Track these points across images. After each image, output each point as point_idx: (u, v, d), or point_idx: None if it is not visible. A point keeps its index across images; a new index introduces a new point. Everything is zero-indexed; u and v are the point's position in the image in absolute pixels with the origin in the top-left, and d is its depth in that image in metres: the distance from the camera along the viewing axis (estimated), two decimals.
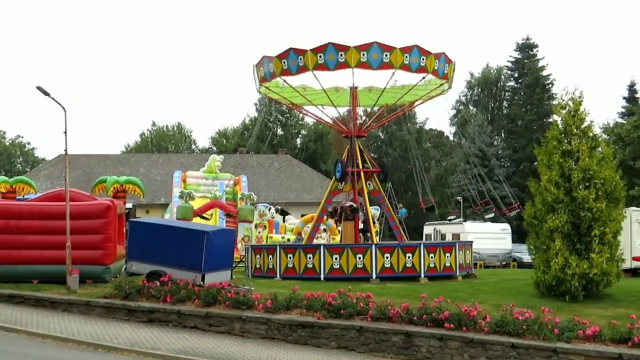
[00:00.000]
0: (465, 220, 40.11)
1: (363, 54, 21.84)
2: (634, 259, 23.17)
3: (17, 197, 26.96)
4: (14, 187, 29.59)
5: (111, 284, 19.28)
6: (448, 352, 14.00)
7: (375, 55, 21.92)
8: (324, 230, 32.19)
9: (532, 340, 13.51)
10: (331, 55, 21.93)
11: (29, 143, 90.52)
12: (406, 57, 22.22)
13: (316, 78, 23.09)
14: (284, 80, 23.82)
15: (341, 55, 21.90)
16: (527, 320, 13.89)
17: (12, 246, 20.86)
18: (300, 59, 22.30)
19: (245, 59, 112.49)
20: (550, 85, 63.66)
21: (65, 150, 20.93)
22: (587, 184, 17.22)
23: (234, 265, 21.80)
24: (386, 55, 22.02)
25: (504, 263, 35.79)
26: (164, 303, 17.13)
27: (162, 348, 14.30)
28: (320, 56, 22.01)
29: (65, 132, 20.55)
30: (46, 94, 20.28)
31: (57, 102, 20.36)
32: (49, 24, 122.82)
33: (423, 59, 22.66)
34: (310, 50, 22.09)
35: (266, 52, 23.78)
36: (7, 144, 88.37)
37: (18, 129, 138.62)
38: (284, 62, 22.78)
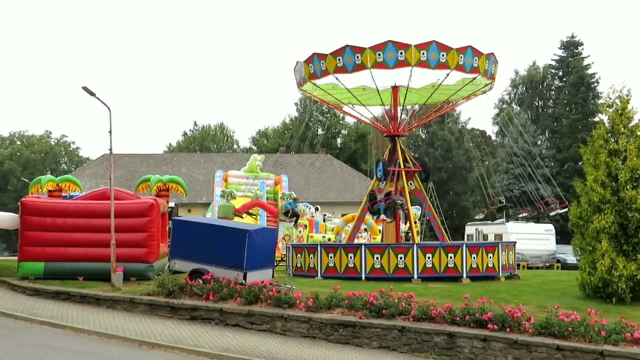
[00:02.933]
0: (507, 221, 39.67)
1: (423, 53, 21.83)
2: None
3: (63, 196, 27.41)
4: (60, 185, 30.11)
5: (154, 282, 19.47)
6: (491, 353, 13.88)
7: (433, 55, 21.90)
8: (365, 229, 32.10)
9: (578, 342, 13.35)
10: (391, 54, 21.94)
11: (73, 142, 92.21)
12: (461, 57, 22.20)
13: (372, 78, 23.12)
14: (337, 78, 23.81)
15: (401, 53, 21.90)
16: (573, 322, 13.70)
17: (59, 244, 21.24)
18: (358, 57, 22.31)
19: (285, 60, 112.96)
20: (595, 84, 62.68)
21: (110, 149, 21.26)
22: (635, 183, 16.94)
23: (275, 264, 21.87)
24: (443, 55, 22.03)
25: (547, 264, 35.33)
26: (206, 301, 17.27)
27: (205, 345, 14.42)
28: (379, 54, 22.02)
29: (110, 132, 20.87)
30: (92, 94, 20.59)
31: (102, 102, 20.67)
32: (95, 25, 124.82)
33: (476, 60, 22.63)
34: (369, 48, 22.08)
35: (300, 53, 23.86)
36: (53, 143, 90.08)
37: (63, 129, 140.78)
38: (310, 67, 22.90)
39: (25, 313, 17.31)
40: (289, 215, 30.69)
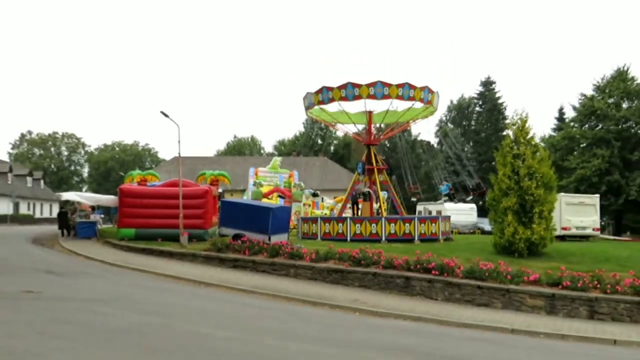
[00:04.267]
0: (445, 202, 39.60)
1: (371, 89, 21.72)
2: (563, 228, 22.87)
3: (148, 184, 27.44)
4: (145, 177, 30.09)
5: (209, 242, 19.45)
6: (434, 290, 13.91)
7: (379, 89, 21.81)
8: (349, 207, 32.13)
9: (492, 283, 13.40)
10: (350, 91, 21.93)
11: (153, 148, 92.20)
12: (400, 90, 22.03)
13: (340, 105, 23.00)
14: (321, 108, 23.72)
15: (356, 90, 21.77)
16: (489, 269, 13.74)
17: (145, 216, 21.24)
18: (330, 93, 22.39)
19: (295, 89, 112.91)
20: (504, 109, 63.49)
21: (179, 153, 21.22)
22: (530, 177, 16.95)
23: (289, 230, 21.89)
24: (386, 89, 21.86)
25: (471, 231, 35.29)
26: (243, 255, 17.25)
27: (243, 284, 14.43)
28: (342, 91, 22.04)
29: (179, 141, 20.82)
30: (166, 115, 20.50)
31: (173, 121, 20.59)
32: (163, 56, 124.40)
33: (412, 91, 22.42)
34: (336, 87, 22.09)
35: (307, 82, 23.70)
36: (140, 149, 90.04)
37: (146, 138, 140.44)
38: (319, 96, 22.80)
39: (122, 262, 17.32)
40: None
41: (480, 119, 65.59)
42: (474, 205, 38.08)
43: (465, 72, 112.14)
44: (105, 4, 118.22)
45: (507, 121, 29.48)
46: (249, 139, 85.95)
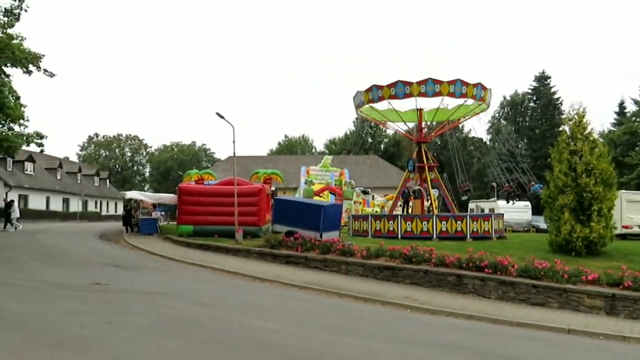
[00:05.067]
0: (498, 199, 38.45)
1: (422, 87, 21.33)
2: (623, 227, 21.73)
3: (204, 183, 28.16)
4: (202, 176, 30.91)
5: (262, 239, 19.71)
6: (487, 288, 13.57)
7: (430, 87, 21.38)
8: (400, 205, 31.81)
9: (548, 282, 12.90)
10: (400, 89, 21.62)
11: (209, 148, 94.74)
12: (451, 87, 21.53)
13: (390, 104, 22.75)
14: (371, 107, 23.53)
15: (407, 88, 21.42)
16: (544, 268, 13.25)
17: (202, 214, 21.80)
18: (380, 91, 22.12)
19: (346, 89, 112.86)
20: (559, 105, 60.77)
21: (234, 152, 21.69)
22: (589, 173, 16.17)
23: (340, 228, 21.91)
24: (437, 86, 21.42)
25: (526, 229, 34.11)
26: (296, 251, 17.41)
27: (296, 280, 14.57)
28: (392, 89, 21.74)
29: (234, 141, 21.33)
30: (221, 117, 20.92)
31: (228, 122, 21.01)
32: (220, 60, 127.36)
33: (464, 88, 21.88)
34: (386, 85, 21.83)
35: (365, 81, 23.56)
36: (197, 149, 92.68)
37: (203, 139, 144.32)
38: (369, 94, 22.60)
39: (181, 257, 17.81)
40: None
41: (535, 115, 63.16)
42: (528, 203, 36.78)
43: (518, 68, 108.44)
44: (165, 11, 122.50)
45: (563, 116, 28.32)
46: (301, 138, 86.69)
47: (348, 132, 77.46)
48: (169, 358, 5.88)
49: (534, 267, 13.35)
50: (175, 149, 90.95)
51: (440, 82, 21.34)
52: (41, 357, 5.58)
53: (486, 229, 20.83)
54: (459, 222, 20.49)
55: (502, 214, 24.02)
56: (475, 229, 20.54)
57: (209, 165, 75.44)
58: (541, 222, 30.13)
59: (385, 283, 14.79)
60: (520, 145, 61.36)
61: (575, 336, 10.50)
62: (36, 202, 45.52)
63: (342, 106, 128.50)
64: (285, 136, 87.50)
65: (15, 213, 27.11)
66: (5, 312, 7.95)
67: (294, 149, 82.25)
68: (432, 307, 12.06)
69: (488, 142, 67.73)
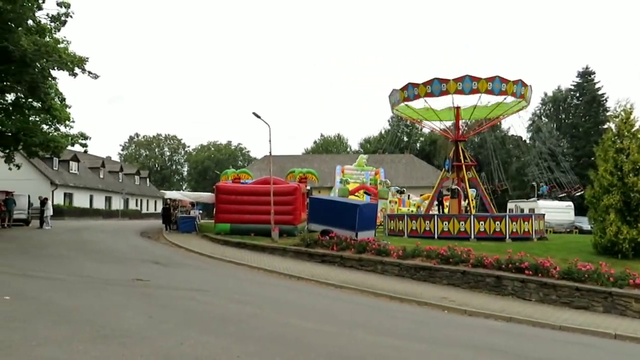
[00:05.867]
0: (538, 199, 37.46)
1: (459, 84, 20.95)
2: None
3: (241, 182, 28.58)
4: (239, 175, 31.42)
5: (298, 237, 19.90)
6: (527, 290, 13.24)
7: (467, 84, 20.99)
8: (436, 205, 31.44)
9: (592, 285, 12.48)
10: (437, 86, 21.29)
11: (246, 147, 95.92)
12: (490, 84, 21.08)
13: (426, 102, 22.45)
14: (407, 105, 23.31)
15: (443, 85, 21.07)
16: (589, 271, 12.82)
17: (239, 212, 22.17)
18: (416, 89, 21.85)
19: (380, 88, 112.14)
20: (604, 101, 58.47)
21: (270, 152, 21.88)
22: (636, 172, 15.55)
23: (376, 227, 21.84)
24: (474, 83, 21.00)
25: (568, 230, 33.10)
26: (331, 250, 17.47)
27: (331, 279, 14.62)
28: (428, 87, 21.43)
29: (270, 141, 21.47)
30: (258, 116, 21.17)
31: (264, 121, 21.25)
32: (257, 60, 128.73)
33: (503, 85, 21.40)
34: (422, 83, 21.53)
35: (401, 80, 23.37)
36: (233, 148, 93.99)
37: (239, 138, 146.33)
38: (405, 92, 22.44)
39: (219, 255, 18.14)
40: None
41: (578, 112, 61.08)
42: (570, 203, 35.72)
43: (560, 63, 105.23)
44: (205, 13, 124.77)
45: (609, 113, 27.34)
46: (336, 137, 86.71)
47: (383, 131, 77.11)
48: (207, 353, 6.01)
49: (578, 270, 12.94)
50: (213, 149, 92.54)
51: (478, 79, 20.97)
52: (88, 349, 5.80)
53: (526, 230, 20.35)
54: (497, 223, 20.09)
55: (543, 215, 23.41)
56: (514, 230, 20.10)
57: (245, 165, 76.38)
58: (584, 223, 29.21)
59: (422, 283, 14.65)
60: (562, 144, 59.56)
61: (622, 342, 10.12)
62: (80, 200, 47.22)
63: (378, 105, 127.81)
64: (321, 135, 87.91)
65: (49, 211, 27.81)
66: (55, 305, 8.30)
67: (330, 148, 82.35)
68: (470, 309, 11.87)
69: (528, 141, 66.02)
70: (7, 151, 27.38)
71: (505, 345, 8.66)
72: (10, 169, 28.47)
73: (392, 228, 22.67)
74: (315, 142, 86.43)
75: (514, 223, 20.33)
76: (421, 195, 37.41)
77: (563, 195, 35.99)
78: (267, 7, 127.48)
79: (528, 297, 13.15)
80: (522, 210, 34.77)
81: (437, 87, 21.30)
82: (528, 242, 19.44)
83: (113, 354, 5.67)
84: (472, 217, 20.54)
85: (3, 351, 5.52)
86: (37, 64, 21.94)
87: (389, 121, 75.66)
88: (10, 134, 25.56)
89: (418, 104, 23.43)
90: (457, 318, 11.25)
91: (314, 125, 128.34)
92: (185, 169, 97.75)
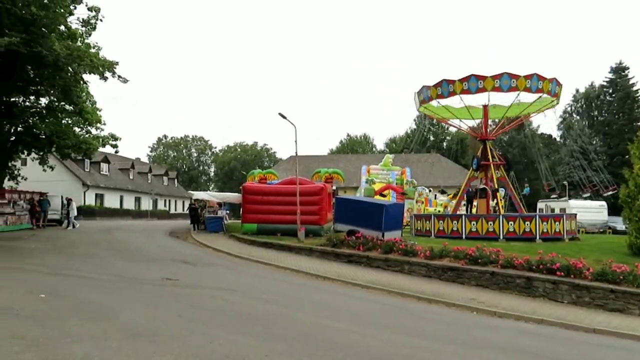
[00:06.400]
0: (570, 199, 36.66)
1: (496, 81, 20.60)
2: None
3: (267, 182, 28.76)
4: (265, 176, 31.61)
5: (324, 237, 19.90)
6: (559, 292, 12.93)
7: (505, 82, 20.63)
8: (464, 205, 31.00)
9: (628, 287, 12.11)
10: (473, 83, 20.96)
11: (271, 148, 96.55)
12: (528, 82, 20.70)
13: (461, 100, 22.17)
14: (438, 102, 23.05)
15: (513, 81, 20.59)
16: (624, 272, 12.44)
17: (265, 212, 22.31)
18: (451, 86, 21.54)
19: (403, 88, 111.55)
20: (639, 97, 56.66)
21: (296, 152, 21.97)
22: None
23: (402, 227, 21.69)
24: (513, 81, 20.64)
25: (601, 230, 32.25)
26: (357, 250, 17.42)
27: (358, 279, 14.60)
28: (465, 84, 21.11)
29: (296, 141, 21.54)
30: (284, 117, 21.28)
31: (290, 122, 21.34)
32: (281, 63, 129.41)
33: (540, 83, 20.99)
34: (458, 80, 21.26)
35: (423, 81, 23.15)
36: (259, 149, 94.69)
37: (265, 139, 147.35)
38: (438, 89, 22.18)
39: (246, 255, 18.29)
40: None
41: (611, 109, 59.39)
42: (604, 203, 34.81)
43: (591, 59, 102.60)
44: (230, 16, 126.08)
45: None
46: (361, 137, 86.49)
47: (409, 131, 76.51)
48: (236, 352, 6.07)
49: (612, 271, 12.58)
50: (239, 149, 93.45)
51: (516, 77, 20.57)
52: (121, 346, 5.93)
53: (557, 230, 19.92)
54: (527, 223, 19.72)
55: (575, 214, 22.87)
56: (545, 230, 19.69)
57: (271, 165, 76.80)
58: (619, 223, 28.47)
59: (450, 284, 14.49)
60: (594, 142, 58.07)
61: None
62: (111, 200, 48.29)
63: (404, 105, 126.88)
64: (347, 135, 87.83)
65: (74, 212, 28.33)
66: (88, 303, 8.52)
67: (355, 148, 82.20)
68: (500, 310, 11.69)
69: (558, 139, 64.65)
70: (42, 153, 28.25)
71: (536, 347, 8.50)
72: (44, 170, 29.34)
73: (418, 228, 22.48)
74: (341, 142, 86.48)
75: (545, 223, 19.91)
76: (448, 195, 36.97)
77: (587, 195, 35.11)
78: (293, 10, 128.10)
79: (560, 299, 12.86)
80: (552, 210, 34.08)
81: (473, 84, 20.87)
82: (559, 242, 19.01)
83: (144, 352, 5.78)
84: (501, 217, 20.21)
85: (41, 347, 5.70)
86: (70, 68, 22.54)
87: (414, 120, 75.14)
88: (44, 137, 26.38)
89: (445, 102, 23.12)
90: (487, 320, 11.09)
91: (339, 126, 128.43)
92: (212, 169, 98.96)
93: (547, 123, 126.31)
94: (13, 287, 9.62)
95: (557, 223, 20.10)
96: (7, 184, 28.55)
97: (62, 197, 30.34)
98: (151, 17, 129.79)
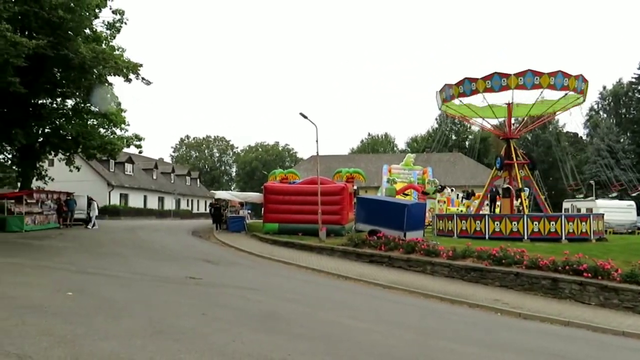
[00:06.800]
0: (597, 198, 35.85)
1: (520, 79, 20.26)
2: None
3: (289, 182, 28.83)
4: (286, 176, 31.71)
5: (346, 237, 19.88)
6: (586, 294, 12.66)
7: (529, 79, 20.27)
8: (487, 204, 30.59)
9: None
10: (496, 81, 20.65)
11: (293, 148, 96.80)
12: (552, 79, 20.31)
13: (484, 98, 21.86)
14: (460, 101, 22.77)
15: (504, 80, 20.41)
16: None
17: (287, 212, 22.38)
18: (473, 84, 21.26)
19: (424, 89, 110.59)
20: None
21: (317, 152, 21.98)
22: None
23: (424, 227, 21.51)
24: (537, 79, 20.27)
25: (629, 231, 31.45)
26: (379, 250, 17.35)
27: (380, 279, 14.52)
28: (488, 82, 20.82)
29: (317, 141, 21.58)
30: (305, 117, 21.30)
31: (311, 122, 21.35)
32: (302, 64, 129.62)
33: (565, 80, 20.57)
34: (481, 78, 20.97)
35: (444, 80, 22.90)
36: (280, 149, 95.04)
37: (286, 139, 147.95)
38: (460, 88, 21.93)
39: (268, 254, 18.37)
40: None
41: None
42: (632, 202, 33.97)
43: (620, 55, 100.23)
44: (250, 16, 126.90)
45: None
46: (383, 137, 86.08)
47: (431, 130, 75.83)
48: (259, 350, 6.09)
49: None
50: (260, 149, 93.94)
51: (540, 74, 20.21)
52: (146, 344, 6.01)
53: (584, 230, 19.52)
54: (552, 223, 19.37)
55: (602, 214, 22.36)
56: (571, 230, 19.32)
57: (292, 165, 77.00)
58: None
59: (473, 285, 14.31)
60: (622, 140, 56.71)
61: None
62: (135, 200, 49.05)
63: (425, 104, 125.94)
64: (369, 134, 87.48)
65: (94, 212, 28.79)
66: (113, 301, 8.66)
67: (376, 147, 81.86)
68: (525, 312, 11.49)
69: (585, 137, 63.31)
70: (68, 154, 28.85)
71: (564, 350, 8.33)
72: (70, 170, 29.94)
73: (441, 228, 22.28)
74: (362, 141, 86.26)
75: (571, 223, 19.53)
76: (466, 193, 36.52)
77: (615, 194, 34.32)
78: (316, 10, 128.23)
79: (587, 301, 12.59)
80: (578, 210, 33.42)
81: (497, 82, 20.53)
82: (586, 243, 18.61)
83: (169, 350, 5.85)
84: (525, 217, 19.89)
85: (69, 344, 5.81)
86: (95, 70, 22.97)
87: (436, 119, 74.44)
88: (70, 138, 26.93)
89: (468, 101, 22.84)
90: (511, 321, 10.92)
91: (360, 125, 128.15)
92: (234, 169, 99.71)
93: (573, 121, 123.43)
94: (42, 284, 9.84)
95: (583, 223, 19.69)
96: (35, 184, 29.24)
97: (87, 197, 30.92)
98: (173, 18, 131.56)
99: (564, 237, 18.99)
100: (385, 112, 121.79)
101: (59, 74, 24.41)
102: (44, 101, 26.50)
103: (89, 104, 26.18)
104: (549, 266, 13.58)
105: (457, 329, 9.37)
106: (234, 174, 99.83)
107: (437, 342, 7.71)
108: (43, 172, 29.14)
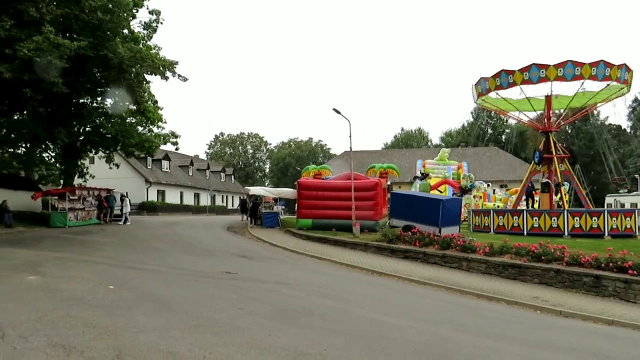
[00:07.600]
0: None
1: (560, 70, 19.64)
2: None
3: (322, 178, 28.82)
4: (320, 172, 31.73)
5: (380, 233, 19.76)
6: (632, 292, 12.22)
7: (569, 70, 19.64)
8: (525, 199, 29.83)
9: None
10: (535, 73, 20.08)
11: (326, 144, 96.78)
12: (594, 69, 19.61)
13: (522, 91, 21.30)
14: (497, 94, 22.26)
15: (578, 69, 19.73)
16: None
17: (320, 208, 22.39)
18: (510, 77, 20.74)
19: (463, 78, 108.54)
20: None
21: (350, 148, 21.91)
22: None
23: (460, 223, 21.17)
24: (578, 69, 19.62)
25: None
26: (414, 246, 17.23)
27: (415, 275, 14.41)
28: (525, 74, 20.27)
29: (350, 136, 21.49)
30: (338, 112, 21.29)
31: (345, 117, 21.32)
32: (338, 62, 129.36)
33: (608, 70, 19.84)
34: (518, 70, 20.44)
35: (480, 74, 22.41)
36: (314, 145, 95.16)
37: (320, 135, 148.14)
38: (497, 80, 21.43)
39: (302, 250, 18.47)
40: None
41: None
42: None
43: None
44: (284, 14, 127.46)
45: None
46: (416, 132, 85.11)
47: (466, 124, 74.44)
48: (295, 345, 6.13)
49: None
50: (293, 146, 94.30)
51: (581, 65, 19.60)
52: (184, 337, 6.14)
53: (628, 226, 18.84)
54: (594, 219, 18.76)
55: None
56: (614, 226, 18.67)
57: (326, 161, 77.02)
58: None
59: (511, 282, 14.03)
60: None
61: None
62: (172, 197, 50.08)
63: (460, 98, 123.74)
64: (402, 129, 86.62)
65: (127, 208, 29.20)
66: (153, 295, 8.87)
67: (410, 142, 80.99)
68: (566, 310, 11.18)
69: (629, 130, 60.96)
70: (108, 152, 29.69)
71: (609, 350, 8.06)
72: (110, 168, 30.81)
73: (477, 224, 21.89)
74: (395, 136, 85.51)
75: (614, 219, 18.87)
76: (507, 190, 35.71)
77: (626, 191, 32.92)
78: (349, 5, 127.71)
79: (632, 300, 12.16)
80: (622, 206, 32.24)
81: (535, 73, 19.99)
82: (631, 239, 17.97)
83: (207, 343, 5.95)
84: (565, 212, 19.32)
85: (111, 336, 5.99)
86: (133, 69, 23.52)
87: (472, 113, 72.93)
88: (110, 136, 27.70)
89: (505, 94, 22.31)
90: (552, 319, 10.64)
91: (394, 120, 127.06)
92: (268, 166, 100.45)
93: (617, 112, 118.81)
94: (85, 278, 10.17)
95: (628, 219, 19.00)
96: (77, 181, 30.20)
97: (120, 194, 31.63)
98: (209, 16, 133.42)
99: (607, 234, 18.37)
100: (418, 107, 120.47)
101: (99, 74, 25.12)
102: (85, 101, 27.33)
103: (127, 103, 26.83)
104: (591, 263, 13.17)
105: (495, 326, 9.20)
106: (267, 170, 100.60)
107: (474, 340, 7.58)
108: (85, 170, 30.06)
